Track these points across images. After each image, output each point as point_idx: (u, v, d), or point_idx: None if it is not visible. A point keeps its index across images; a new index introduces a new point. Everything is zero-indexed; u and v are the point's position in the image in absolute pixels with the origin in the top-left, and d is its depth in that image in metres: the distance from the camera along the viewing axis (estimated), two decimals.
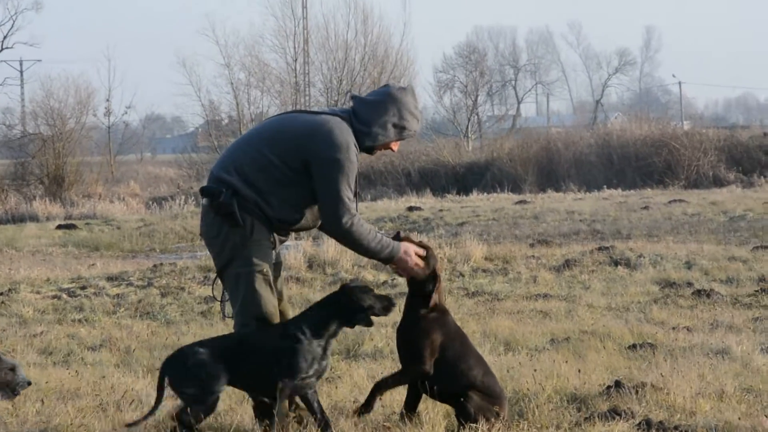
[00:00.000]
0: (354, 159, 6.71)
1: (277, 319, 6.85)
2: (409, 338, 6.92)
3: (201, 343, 6.74)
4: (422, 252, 6.91)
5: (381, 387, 6.92)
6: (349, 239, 6.76)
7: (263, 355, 6.58)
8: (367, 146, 6.84)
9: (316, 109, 6.99)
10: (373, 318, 6.73)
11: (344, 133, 6.71)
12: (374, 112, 6.82)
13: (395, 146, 7.00)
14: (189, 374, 6.57)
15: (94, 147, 57.23)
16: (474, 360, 6.96)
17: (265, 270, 6.80)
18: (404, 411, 6.96)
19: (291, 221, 6.89)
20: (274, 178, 6.75)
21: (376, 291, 6.95)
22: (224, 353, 6.60)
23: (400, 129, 6.86)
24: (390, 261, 6.89)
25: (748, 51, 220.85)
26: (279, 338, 6.61)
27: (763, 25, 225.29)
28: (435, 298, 6.91)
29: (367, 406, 6.89)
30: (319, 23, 55.47)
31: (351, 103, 7.00)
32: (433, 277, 6.94)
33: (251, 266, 6.77)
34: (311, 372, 6.61)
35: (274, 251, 6.96)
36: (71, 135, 48.31)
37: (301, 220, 6.92)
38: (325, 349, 6.64)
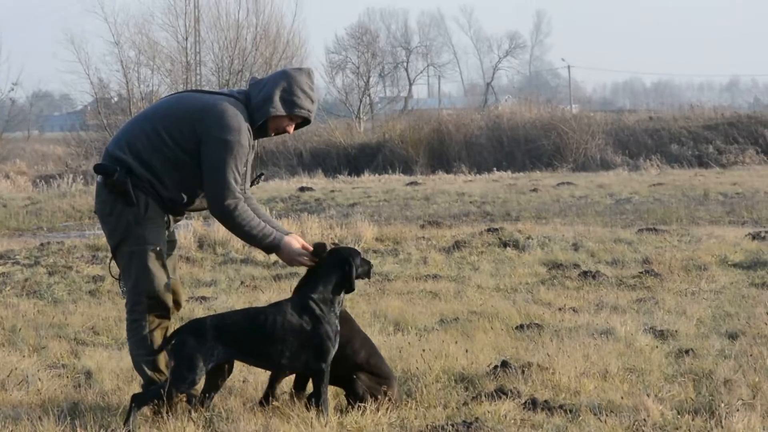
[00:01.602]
0: (245, 143, 6.69)
1: (169, 298, 6.83)
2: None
3: (211, 317, 6.78)
4: (309, 247, 6.88)
5: (274, 379, 6.96)
6: (230, 222, 6.75)
7: (281, 331, 6.58)
8: (258, 123, 6.80)
9: (213, 89, 6.96)
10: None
11: (237, 116, 6.69)
12: (265, 87, 6.82)
13: (290, 127, 6.95)
14: (179, 347, 6.56)
15: None
16: (360, 342, 7.01)
17: (158, 248, 6.78)
18: (293, 391, 6.98)
19: (183, 202, 6.87)
20: (167, 158, 6.73)
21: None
22: (231, 329, 6.59)
23: (290, 104, 6.81)
24: (272, 251, 6.85)
25: (635, 36, 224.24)
26: (298, 316, 6.62)
27: (651, 10, 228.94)
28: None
29: (266, 397, 6.92)
30: (210, 2, 55.18)
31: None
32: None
33: (144, 245, 6.75)
34: (337, 346, 6.66)
35: (168, 230, 6.94)
36: None
37: (195, 201, 6.91)
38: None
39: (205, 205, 6.95)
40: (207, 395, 6.74)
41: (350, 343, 6.93)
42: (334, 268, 6.76)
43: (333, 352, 6.65)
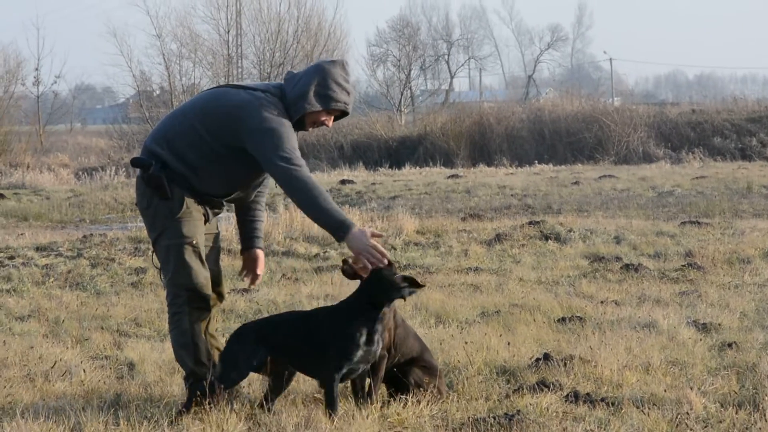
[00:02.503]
0: (289, 126, 6.66)
1: (208, 290, 6.84)
2: None
3: (259, 320, 6.91)
4: (379, 235, 6.61)
5: (370, 394, 6.89)
6: (298, 187, 6.52)
7: (313, 338, 6.59)
8: (294, 118, 6.80)
9: (249, 83, 6.95)
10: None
11: (273, 108, 6.67)
12: (299, 83, 6.78)
13: (328, 121, 6.89)
14: (228, 348, 6.68)
15: (22, 117, 56.57)
16: (413, 339, 7.03)
17: (194, 242, 6.80)
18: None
19: (220, 195, 6.89)
20: (204, 153, 6.73)
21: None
22: (271, 332, 6.66)
23: (326, 98, 6.75)
24: (344, 232, 6.51)
25: (678, 29, 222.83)
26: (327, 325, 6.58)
27: (693, 3, 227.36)
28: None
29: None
30: None
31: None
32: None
33: (181, 238, 6.76)
34: (356, 359, 6.54)
35: (207, 223, 6.95)
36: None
37: (232, 194, 6.92)
38: (370, 334, 6.53)
39: (243, 197, 6.96)
40: (269, 398, 6.75)
41: (406, 341, 6.96)
42: (365, 288, 6.58)
43: (347, 365, 6.56)
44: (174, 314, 6.83)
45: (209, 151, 6.73)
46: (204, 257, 6.90)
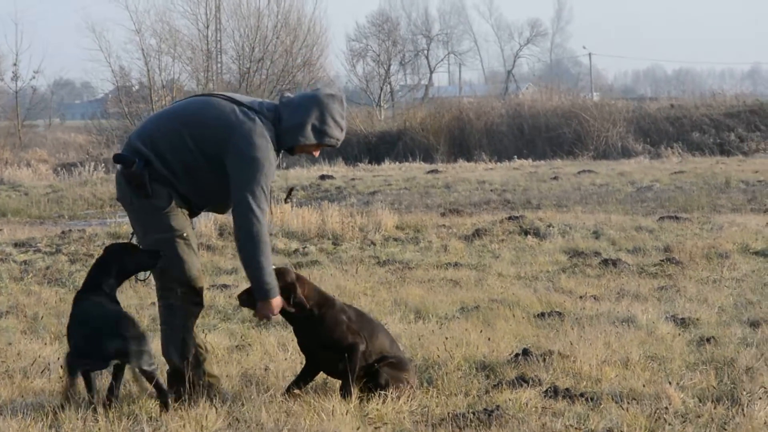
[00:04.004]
0: (273, 160, 6.68)
1: (202, 283, 6.83)
2: (325, 338, 6.91)
3: None
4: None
5: (346, 388, 6.90)
6: (248, 242, 6.66)
7: None
8: (285, 147, 6.80)
9: (242, 98, 6.90)
10: None
11: (264, 135, 6.65)
12: (296, 112, 6.77)
13: (316, 152, 6.93)
14: None
15: (1, 112, 56.32)
16: (383, 333, 7.03)
17: (184, 234, 6.77)
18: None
19: (198, 204, 6.87)
20: (186, 161, 6.70)
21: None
22: None
23: (321, 133, 6.79)
24: (264, 297, 6.70)
25: (656, 24, 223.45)
26: None
27: None
28: (303, 300, 6.87)
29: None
30: None
31: (278, 100, 6.95)
32: (289, 288, 6.84)
33: (171, 231, 6.73)
34: None
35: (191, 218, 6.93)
36: None
37: (207, 205, 6.91)
38: None
39: (218, 210, 6.98)
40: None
41: (374, 335, 6.95)
42: None
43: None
44: (165, 307, 6.79)
45: (191, 160, 6.69)
46: (196, 248, 6.88)
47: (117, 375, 6.72)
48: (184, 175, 6.72)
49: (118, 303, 6.82)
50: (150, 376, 6.51)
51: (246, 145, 6.60)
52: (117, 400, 6.69)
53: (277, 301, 6.70)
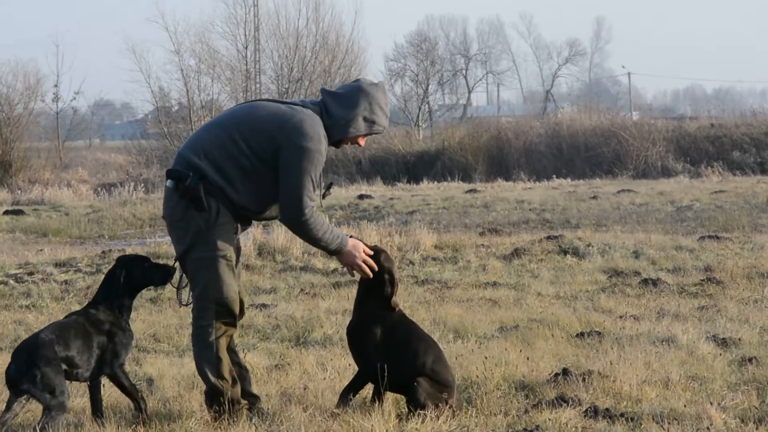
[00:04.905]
0: (323, 151, 6.75)
1: (237, 305, 6.84)
2: (356, 338, 6.97)
3: None
4: (370, 252, 6.95)
5: (347, 392, 6.94)
6: (303, 230, 6.76)
7: None
8: (336, 139, 6.86)
9: (286, 99, 7.00)
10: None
11: (315, 125, 6.73)
12: (345, 105, 6.84)
13: (362, 141, 7.03)
14: None
15: (42, 133, 56.80)
16: (423, 347, 6.99)
17: (228, 255, 6.78)
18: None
19: (254, 210, 6.88)
20: (242, 166, 6.74)
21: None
22: None
23: (370, 123, 6.89)
24: (338, 253, 6.91)
25: (696, 43, 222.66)
26: None
27: (711, 17, 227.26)
28: (395, 301, 6.95)
29: (340, 406, 6.91)
30: (270, 10, 55.56)
31: (320, 96, 7.01)
32: (391, 279, 6.96)
33: (215, 251, 6.74)
34: None
35: (236, 236, 6.94)
36: (19, 120, 48.02)
37: (264, 211, 6.92)
38: None
39: (275, 215, 6.97)
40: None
41: (410, 347, 6.93)
42: None
43: None
44: (199, 327, 6.80)
45: (247, 165, 6.74)
46: (236, 271, 6.90)
47: (93, 391, 6.79)
48: (242, 182, 6.75)
49: (117, 318, 6.81)
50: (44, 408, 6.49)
51: (297, 135, 6.67)
52: (102, 416, 6.75)
53: (352, 243, 6.92)
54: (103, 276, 6.98)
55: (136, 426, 6.68)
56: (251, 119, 6.81)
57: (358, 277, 7.05)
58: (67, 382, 6.60)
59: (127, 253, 7.17)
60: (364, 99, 6.86)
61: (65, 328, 6.68)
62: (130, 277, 6.85)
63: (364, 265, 6.91)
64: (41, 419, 6.39)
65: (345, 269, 7.13)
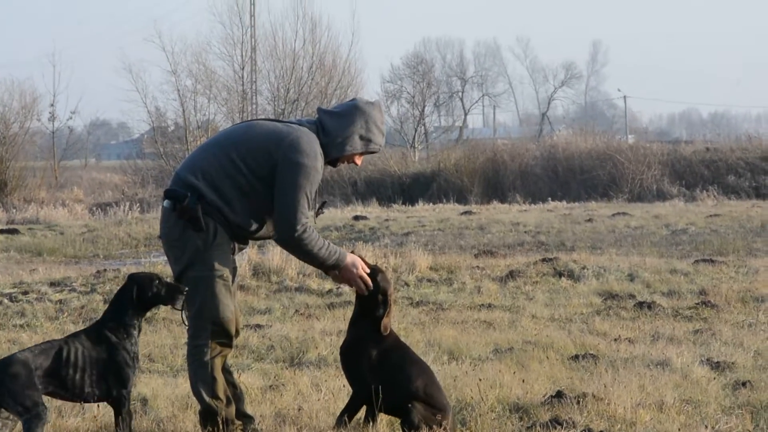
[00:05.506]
0: (320, 168, 6.74)
1: (233, 325, 6.82)
2: (349, 357, 6.94)
3: None
4: (367, 269, 6.91)
5: (342, 415, 6.92)
6: (298, 246, 6.73)
7: None
8: (332, 158, 6.86)
9: (282, 119, 7.00)
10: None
11: (312, 142, 6.74)
12: (342, 123, 6.85)
13: (359, 160, 7.02)
14: None
15: (38, 152, 56.74)
16: (416, 371, 6.96)
17: (225, 275, 6.77)
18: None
19: (251, 230, 6.87)
20: (239, 185, 6.74)
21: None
22: None
23: (366, 141, 6.89)
24: (336, 268, 6.86)
25: (692, 67, 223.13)
26: None
27: (707, 41, 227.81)
28: (386, 323, 6.91)
29: (335, 428, 6.89)
30: (267, 31, 55.34)
31: (316, 115, 7.01)
32: (385, 300, 6.93)
33: (212, 270, 6.73)
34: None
35: (233, 256, 6.94)
36: (15, 139, 48.05)
37: (261, 229, 6.91)
38: None
39: (270, 234, 6.96)
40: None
41: (403, 370, 6.91)
42: None
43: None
44: (195, 347, 6.79)
45: (245, 184, 6.74)
46: (233, 291, 6.89)
47: (116, 412, 6.77)
48: (239, 201, 6.76)
49: (123, 337, 6.79)
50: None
51: (293, 151, 6.67)
52: None
53: (351, 259, 6.88)
54: (114, 294, 6.96)
55: None
56: (248, 138, 6.82)
57: (353, 295, 7.04)
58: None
59: (138, 271, 7.10)
60: (360, 117, 6.87)
61: (53, 347, 6.66)
62: (141, 295, 6.82)
63: (359, 281, 6.87)
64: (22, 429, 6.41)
65: (340, 288, 7.13)
